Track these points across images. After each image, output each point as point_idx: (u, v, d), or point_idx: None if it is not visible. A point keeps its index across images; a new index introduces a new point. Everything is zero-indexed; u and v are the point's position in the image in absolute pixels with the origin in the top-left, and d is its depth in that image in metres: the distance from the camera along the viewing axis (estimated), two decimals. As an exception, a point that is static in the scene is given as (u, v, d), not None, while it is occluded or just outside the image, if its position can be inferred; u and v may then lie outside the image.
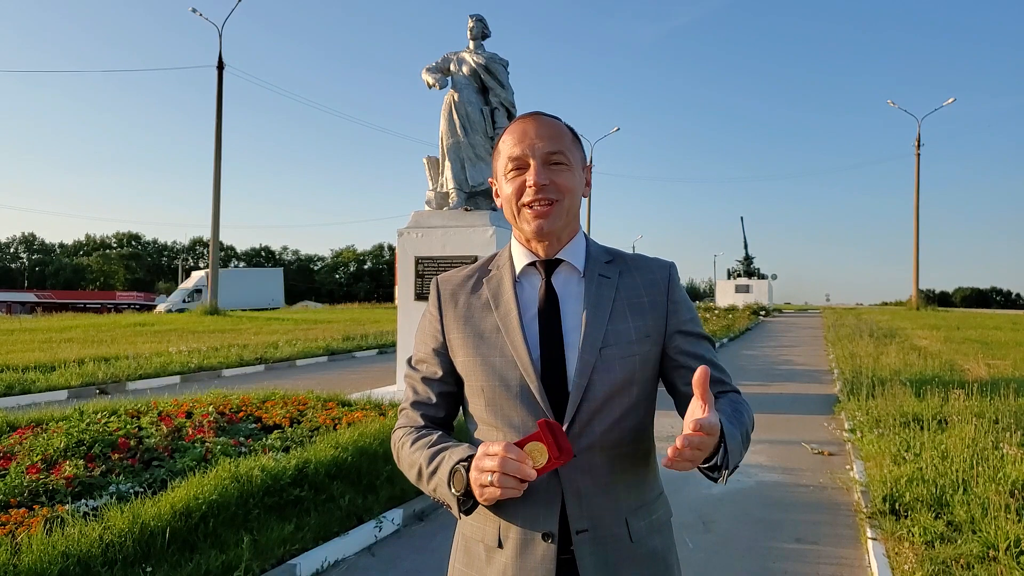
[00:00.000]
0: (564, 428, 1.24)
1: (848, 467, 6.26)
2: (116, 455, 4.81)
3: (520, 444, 1.18)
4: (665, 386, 1.44)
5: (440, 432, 1.39)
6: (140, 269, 79.87)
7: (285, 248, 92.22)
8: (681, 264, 1.48)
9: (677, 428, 1.24)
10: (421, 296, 9.56)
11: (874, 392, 9.03)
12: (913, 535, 4.15)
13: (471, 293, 1.43)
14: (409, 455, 1.37)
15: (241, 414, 6.26)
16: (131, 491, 4.18)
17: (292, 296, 68.55)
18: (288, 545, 3.95)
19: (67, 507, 3.75)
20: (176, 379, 11.65)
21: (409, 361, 1.49)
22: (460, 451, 1.28)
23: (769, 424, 8.21)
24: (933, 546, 3.98)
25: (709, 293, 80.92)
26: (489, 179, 1.46)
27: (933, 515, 4.41)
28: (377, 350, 17.40)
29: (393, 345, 16.34)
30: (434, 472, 1.29)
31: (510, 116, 10.33)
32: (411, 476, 1.37)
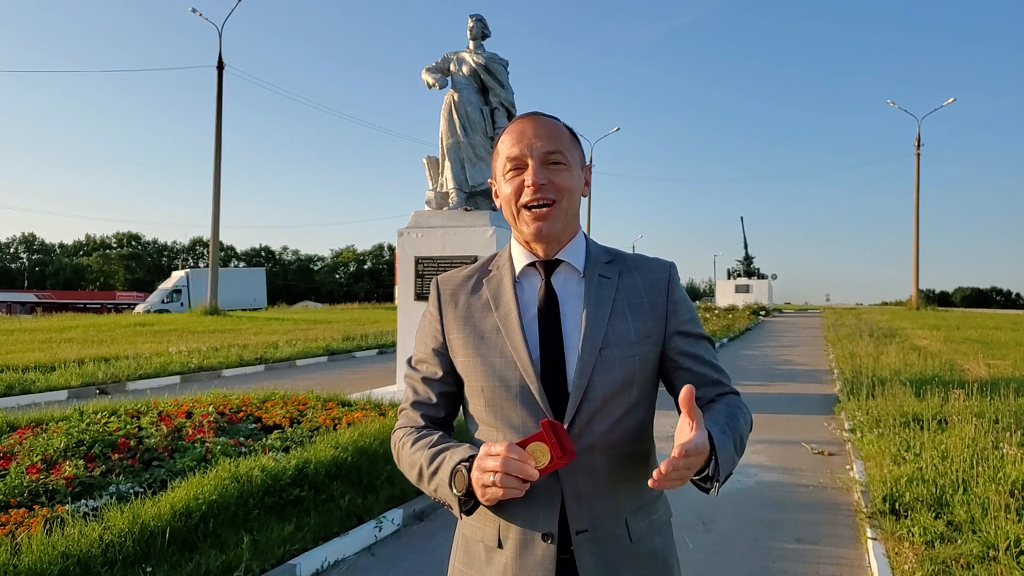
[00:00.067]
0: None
1: (848, 467, 6.26)
2: (116, 455, 4.81)
3: (522, 444, 1.18)
4: (665, 386, 1.44)
5: (440, 432, 1.39)
6: (140, 269, 79.82)
7: (285, 248, 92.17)
8: (681, 264, 1.48)
9: (677, 428, 1.24)
10: (421, 296, 9.56)
11: (874, 392, 9.03)
12: (913, 535, 4.15)
13: (471, 293, 1.43)
14: (409, 455, 1.37)
15: (241, 414, 6.26)
16: (131, 491, 4.18)
17: (292, 296, 68.54)
18: (288, 545, 3.95)
19: (67, 507, 3.75)
20: (176, 379, 11.65)
21: (409, 361, 1.49)
22: (461, 451, 1.28)
23: (769, 424, 8.21)
24: (933, 546, 3.98)
25: (709, 293, 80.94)
26: (489, 179, 1.47)
27: (933, 515, 4.42)
28: (377, 350, 17.40)
29: (393, 345, 16.34)
30: (435, 472, 1.29)
31: (510, 116, 10.33)
32: (411, 476, 1.37)
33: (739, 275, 58.76)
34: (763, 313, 41.31)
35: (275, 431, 5.81)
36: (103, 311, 43.99)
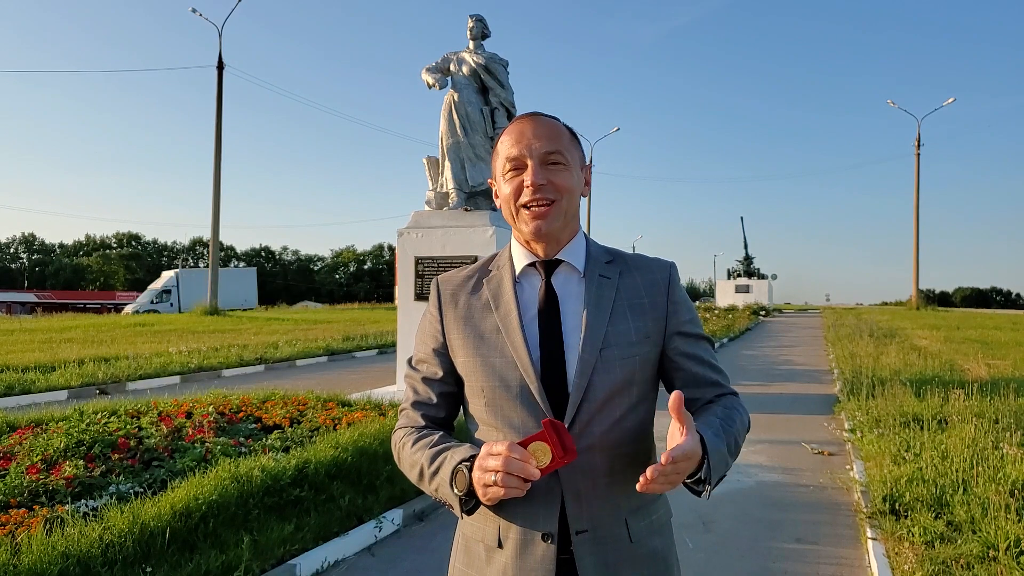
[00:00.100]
0: None
1: (848, 467, 6.26)
2: (116, 455, 4.81)
3: (524, 444, 1.18)
4: (665, 386, 1.44)
5: (441, 432, 1.39)
6: (140, 269, 79.69)
7: (285, 248, 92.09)
8: (681, 264, 1.48)
9: (677, 428, 1.24)
10: (421, 296, 9.56)
11: (874, 392, 9.03)
12: (913, 535, 4.15)
13: (471, 294, 1.43)
14: (410, 455, 1.37)
15: (241, 414, 6.26)
16: (131, 491, 4.18)
17: (292, 296, 68.49)
18: (288, 545, 3.95)
19: (67, 507, 3.75)
20: (176, 379, 11.65)
21: (409, 361, 1.49)
22: (462, 451, 1.28)
23: (769, 424, 8.21)
24: (933, 546, 3.98)
25: (709, 293, 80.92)
26: (489, 180, 1.47)
27: (933, 515, 4.41)
28: (377, 350, 17.40)
29: (393, 345, 16.34)
30: (436, 472, 1.29)
31: (510, 116, 10.33)
32: (412, 476, 1.37)
33: (739, 275, 58.75)
34: (763, 313, 41.31)
35: (275, 431, 5.81)
36: (103, 311, 44.00)
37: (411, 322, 9.52)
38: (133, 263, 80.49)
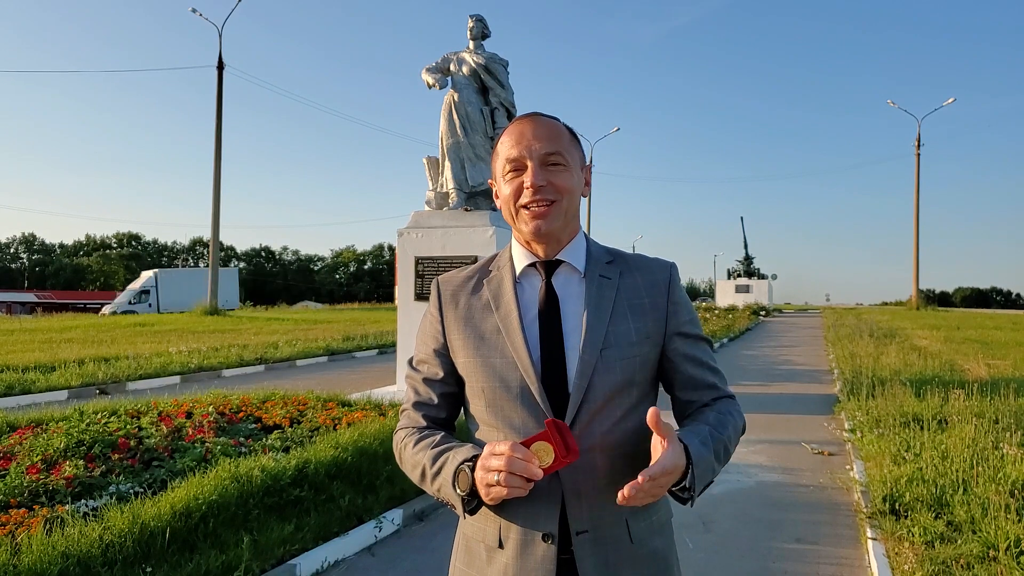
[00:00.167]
0: None
1: (848, 467, 6.26)
2: (116, 455, 4.81)
3: (526, 444, 1.18)
4: (664, 387, 1.44)
5: (443, 433, 1.40)
6: (140, 269, 79.43)
7: (285, 248, 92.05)
8: (681, 264, 1.49)
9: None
10: (421, 296, 9.56)
11: (874, 392, 9.03)
12: (913, 535, 4.15)
13: (472, 294, 1.43)
14: (412, 456, 1.37)
15: (241, 414, 6.26)
16: (131, 491, 4.18)
17: (292, 296, 68.44)
18: (288, 545, 3.95)
19: (67, 507, 3.75)
20: (176, 379, 11.65)
21: (410, 362, 1.49)
22: (464, 451, 1.28)
23: (769, 424, 8.21)
24: (933, 546, 3.98)
25: (709, 293, 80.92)
26: (489, 180, 1.46)
27: (933, 515, 4.41)
28: (377, 350, 17.40)
29: (393, 345, 16.33)
30: (438, 472, 1.30)
31: (510, 116, 10.33)
32: (414, 477, 1.37)
33: (739, 275, 58.71)
34: (763, 313, 41.30)
35: (275, 431, 5.81)
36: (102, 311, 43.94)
37: (411, 322, 9.52)
38: (133, 263, 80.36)
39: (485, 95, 10.38)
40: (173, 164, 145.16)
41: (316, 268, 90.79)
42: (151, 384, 11.10)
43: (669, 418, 1.45)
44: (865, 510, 4.81)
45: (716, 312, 33.98)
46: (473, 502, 1.25)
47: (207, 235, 33.05)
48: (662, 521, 1.40)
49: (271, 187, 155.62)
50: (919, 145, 41.72)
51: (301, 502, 4.37)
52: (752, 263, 59.57)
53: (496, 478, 1.16)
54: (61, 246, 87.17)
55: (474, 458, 1.24)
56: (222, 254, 70.69)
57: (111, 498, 4.02)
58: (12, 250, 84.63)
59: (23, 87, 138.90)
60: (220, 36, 28.23)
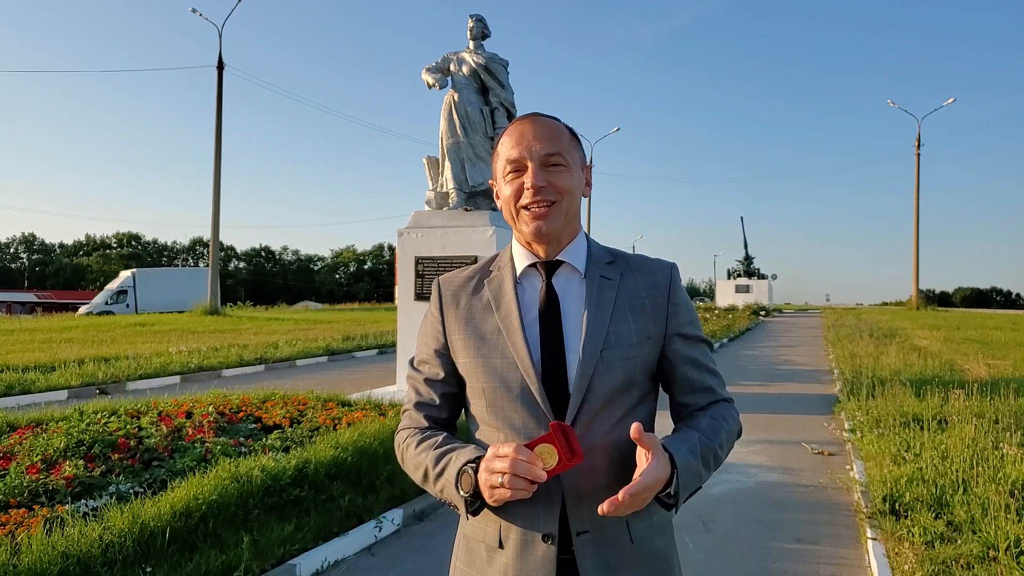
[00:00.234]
0: None
1: (848, 467, 6.26)
2: (116, 455, 4.81)
3: (530, 446, 1.18)
4: (662, 387, 1.44)
5: (445, 433, 1.40)
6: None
7: (285, 248, 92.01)
8: (681, 264, 1.49)
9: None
10: (421, 296, 9.56)
11: (874, 392, 9.03)
12: (913, 535, 4.15)
13: (472, 294, 1.43)
14: (414, 456, 1.37)
15: (241, 414, 6.26)
16: (131, 491, 4.18)
17: (292, 296, 68.37)
18: (288, 545, 3.95)
19: (67, 507, 3.75)
20: (176, 379, 11.65)
21: (411, 362, 1.49)
22: (467, 452, 1.28)
23: (769, 424, 8.21)
24: (933, 546, 3.98)
25: (709, 293, 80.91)
26: (489, 180, 1.46)
27: (933, 515, 4.41)
28: (377, 350, 17.40)
29: (393, 345, 16.34)
30: (441, 473, 1.30)
31: (510, 116, 10.33)
32: (416, 477, 1.37)
33: (739, 275, 58.72)
34: (763, 313, 41.30)
35: (275, 431, 5.81)
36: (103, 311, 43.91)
37: (411, 322, 9.52)
38: (133, 263, 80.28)
39: (485, 95, 10.38)
40: (173, 164, 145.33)
41: (316, 268, 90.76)
42: (151, 384, 11.10)
43: (666, 418, 1.45)
44: (865, 510, 4.81)
45: (716, 312, 33.98)
46: (476, 503, 1.25)
47: (207, 235, 32.99)
48: (662, 521, 1.40)
49: (271, 187, 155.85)
50: (919, 145, 41.76)
51: (301, 502, 4.36)
52: (752, 263, 59.58)
53: (500, 480, 1.17)
54: (61, 246, 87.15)
55: (477, 459, 1.24)
56: (222, 254, 70.61)
57: (111, 498, 4.02)
58: (12, 250, 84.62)
59: (23, 87, 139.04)
60: (220, 36, 28.26)
